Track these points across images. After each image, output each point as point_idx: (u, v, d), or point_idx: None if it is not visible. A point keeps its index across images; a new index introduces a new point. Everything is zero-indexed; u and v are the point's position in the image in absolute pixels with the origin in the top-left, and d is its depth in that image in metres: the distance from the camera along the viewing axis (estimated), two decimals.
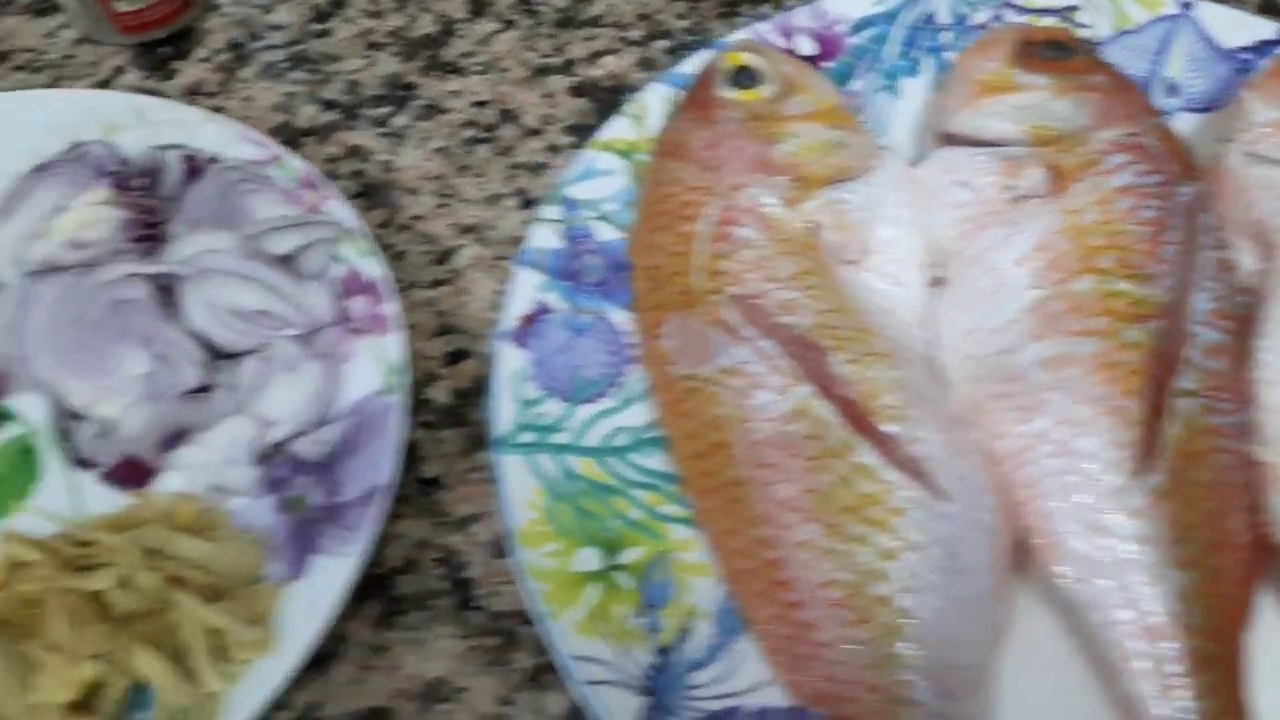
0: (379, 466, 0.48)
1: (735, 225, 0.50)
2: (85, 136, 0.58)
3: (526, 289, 0.52)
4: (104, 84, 0.65)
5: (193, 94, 0.65)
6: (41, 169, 0.55)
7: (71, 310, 0.49)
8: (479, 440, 0.53)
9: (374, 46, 0.67)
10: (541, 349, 0.51)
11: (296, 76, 0.65)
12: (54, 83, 0.66)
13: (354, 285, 0.53)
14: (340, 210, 0.54)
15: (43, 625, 0.44)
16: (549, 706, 0.47)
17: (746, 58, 0.54)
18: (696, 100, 0.54)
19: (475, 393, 0.54)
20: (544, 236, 0.53)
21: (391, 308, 0.51)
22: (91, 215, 0.51)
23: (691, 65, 0.59)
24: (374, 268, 0.53)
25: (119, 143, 0.56)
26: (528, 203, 0.60)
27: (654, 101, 0.58)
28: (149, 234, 0.52)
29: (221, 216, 0.54)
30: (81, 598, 0.44)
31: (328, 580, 0.45)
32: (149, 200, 0.53)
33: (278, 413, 0.50)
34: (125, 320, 0.50)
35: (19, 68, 0.67)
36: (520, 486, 0.47)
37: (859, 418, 0.45)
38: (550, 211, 0.54)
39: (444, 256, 0.58)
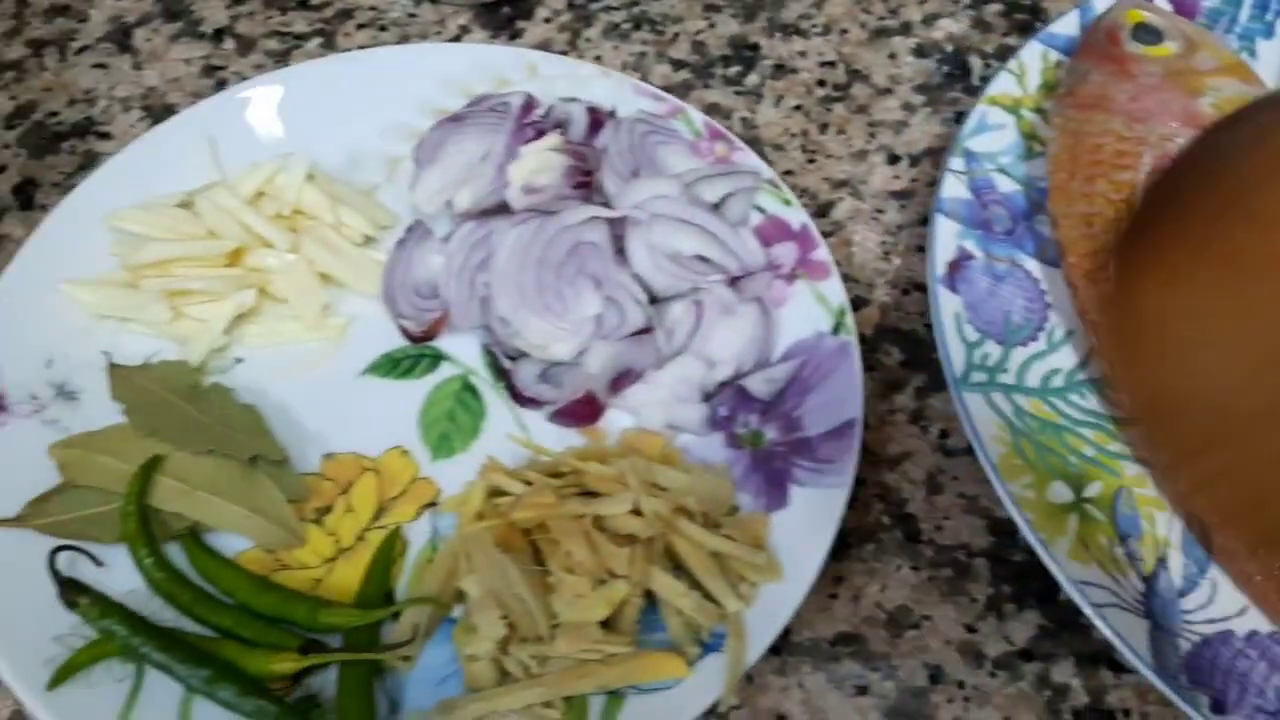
0: (846, 401, 0.49)
1: None
2: (478, 89, 0.60)
3: (948, 236, 0.54)
4: (453, 41, 0.67)
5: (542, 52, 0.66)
6: (456, 119, 0.57)
7: (536, 251, 0.51)
8: (893, 384, 0.55)
9: (711, 8, 0.68)
10: (971, 294, 0.52)
11: (642, 36, 0.67)
12: (402, 41, 0.67)
13: (773, 232, 0.55)
14: (753, 161, 0.56)
15: (555, 549, 0.46)
16: (1013, 634, 0.48)
17: (1146, 15, 0.56)
18: (1106, 55, 0.55)
19: (878, 339, 0.56)
20: (953, 187, 0.55)
21: (825, 254, 0.53)
22: (542, 162, 0.52)
23: (1063, 26, 0.60)
24: (797, 215, 0.54)
25: (510, 93, 0.58)
26: (893, 158, 0.62)
27: (1031, 60, 0.59)
28: (584, 181, 0.53)
29: (639, 167, 0.55)
30: (588, 523, 0.46)
31: (820, 509, 0.47)
32: (584, 149, 0.54)
33: (721, 353, 0.52)
34: (582, 262, 0.52)
35: (363, 25, 0.68)
36: (985, 422, 0.49)
37: None
38: (955, 163, 0.56)
39: (824, 209, 0.60)
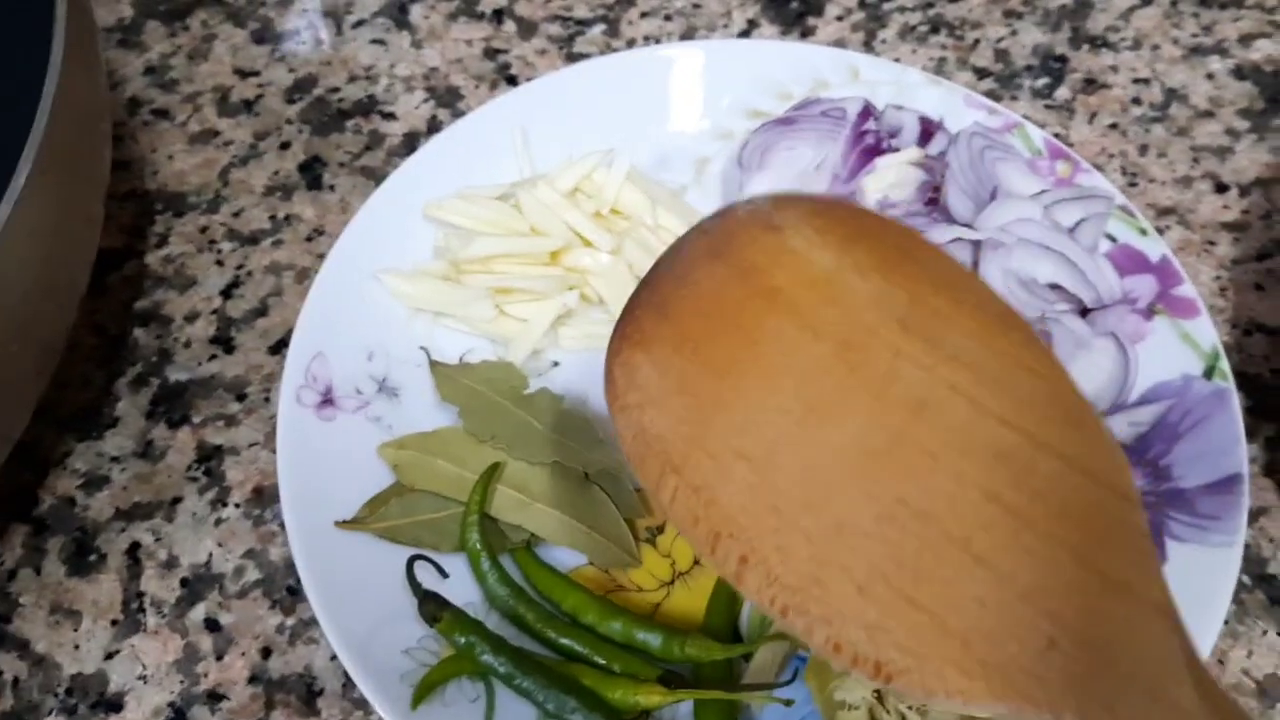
0: (1227, 453, 0.46)
1: None
2: (795, 91, 0.57)
3: None
4: (743, 36, 0.64)
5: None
6: (784, 122, 0.54)
7: None
8: None
9: (1012, 14, 0.65)
10: None
11: (940, 41, 0.64)
12: (689, 33, 0.64)
13: (1126, 263, 0.51)
14: (1103, 184, 0.52)
15: None
16: None
17: None
18: None
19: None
20: None
21: (1190, 290, 0.50)
22: (901, 176, 0.49)
23: None
24: (1155, 246, 0.51)
25: (845, 98, 0.55)
26: (1221, 187, 0.58)
27: None
28: (934, 197, 0.50)
29: (982, 184, 0.52)
30: None
31: (1208, 570, 0.44)
32: (936, 163, 0.51)
33: None
34: None
35: (646, 14, 0.65)
36: None
37: None
38: None
39: None
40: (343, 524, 0.45)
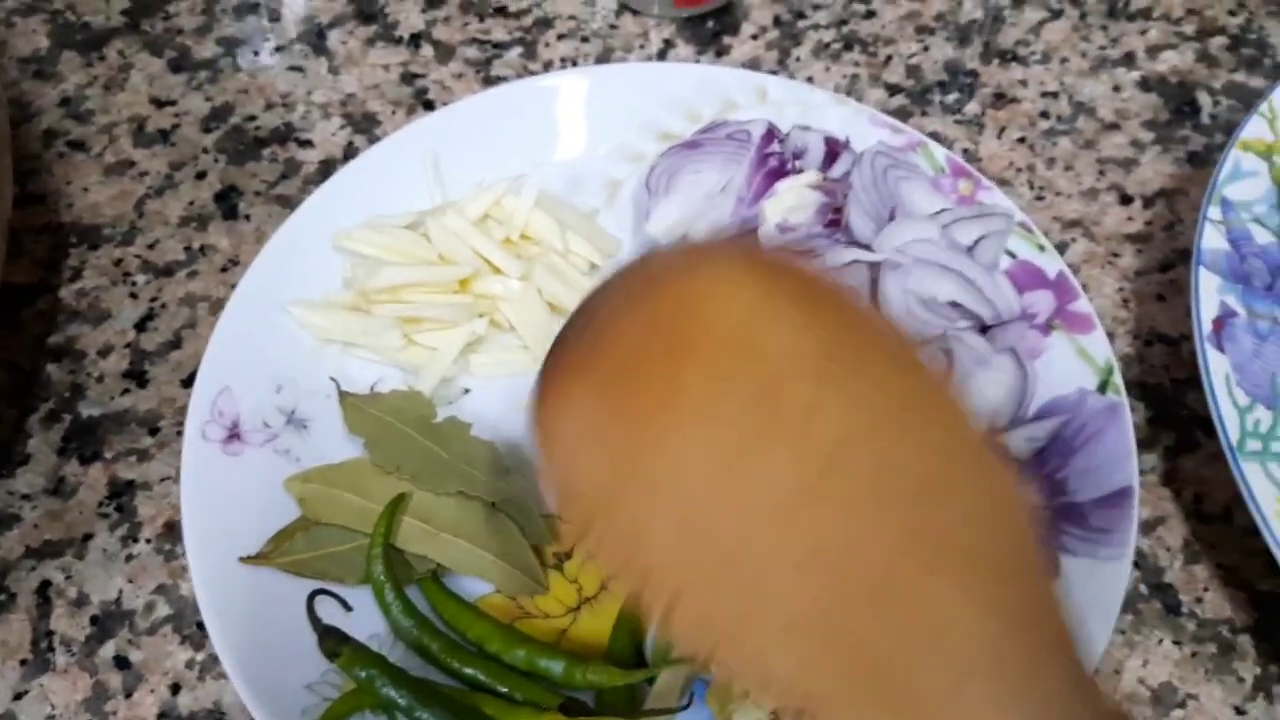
0: (1118, 467, 0.47)
1: None
2: (704, 111, 0.57)
3: (1210, 291, 0.51)
4: (660, 57, 0.65)
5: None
6: (690, 146, 0.55)
7: None
8: (1141, 443, 0.52)
9: (924, 30, 0.66)
10: (1237, 354, 0.50)
11: (853, 58, 0.64)
12: (606, 54, 0.65)
13: (1025, 279, 0.52)
14: (1003, 201, 0.53)
15: None
16: None
17: None
18: None
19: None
20: (1212, 237, 0.52)
21: (1086, 305, 0.51)
22: (800, 199, 0.50)
23: None
24: (1052, 263, 0.52)
25: (749, 120, 0.55)
26: (1125, 199, 0.59)
27: None
28: (835, 219, 0.51)
29: (884, 204, 0.53)
30: None
31: (1099, 584, 0.45)
32: (835, 185, 0.52)
33: (976, 406, 0.49)
34: None
35: (564, 36, 0.66)
36: (1264, 496, 0.46)
37: None
38: (1212, 212, 0.53)
39: (1057, 250, 0.57)
40: (247, 559, 0.45)
